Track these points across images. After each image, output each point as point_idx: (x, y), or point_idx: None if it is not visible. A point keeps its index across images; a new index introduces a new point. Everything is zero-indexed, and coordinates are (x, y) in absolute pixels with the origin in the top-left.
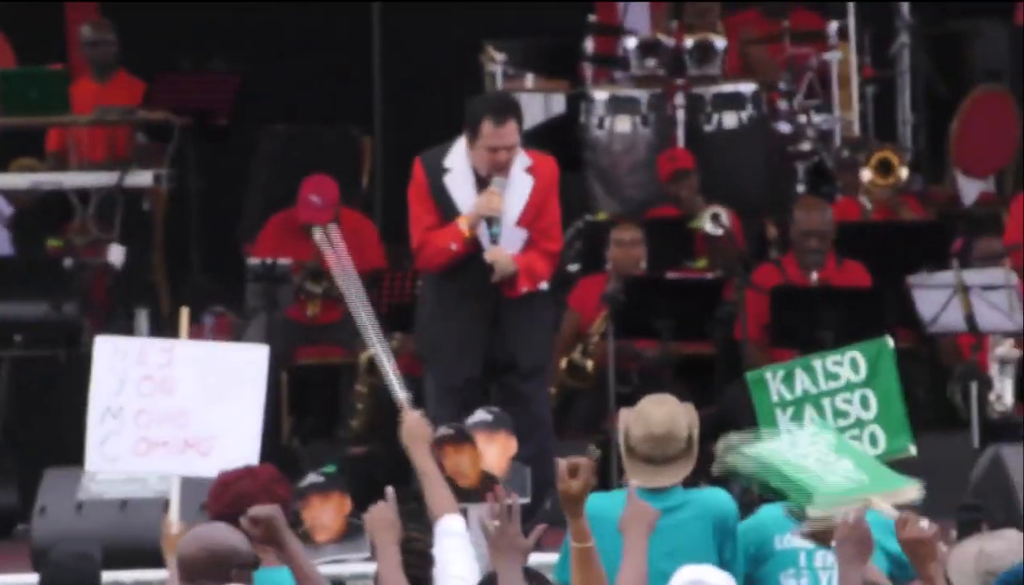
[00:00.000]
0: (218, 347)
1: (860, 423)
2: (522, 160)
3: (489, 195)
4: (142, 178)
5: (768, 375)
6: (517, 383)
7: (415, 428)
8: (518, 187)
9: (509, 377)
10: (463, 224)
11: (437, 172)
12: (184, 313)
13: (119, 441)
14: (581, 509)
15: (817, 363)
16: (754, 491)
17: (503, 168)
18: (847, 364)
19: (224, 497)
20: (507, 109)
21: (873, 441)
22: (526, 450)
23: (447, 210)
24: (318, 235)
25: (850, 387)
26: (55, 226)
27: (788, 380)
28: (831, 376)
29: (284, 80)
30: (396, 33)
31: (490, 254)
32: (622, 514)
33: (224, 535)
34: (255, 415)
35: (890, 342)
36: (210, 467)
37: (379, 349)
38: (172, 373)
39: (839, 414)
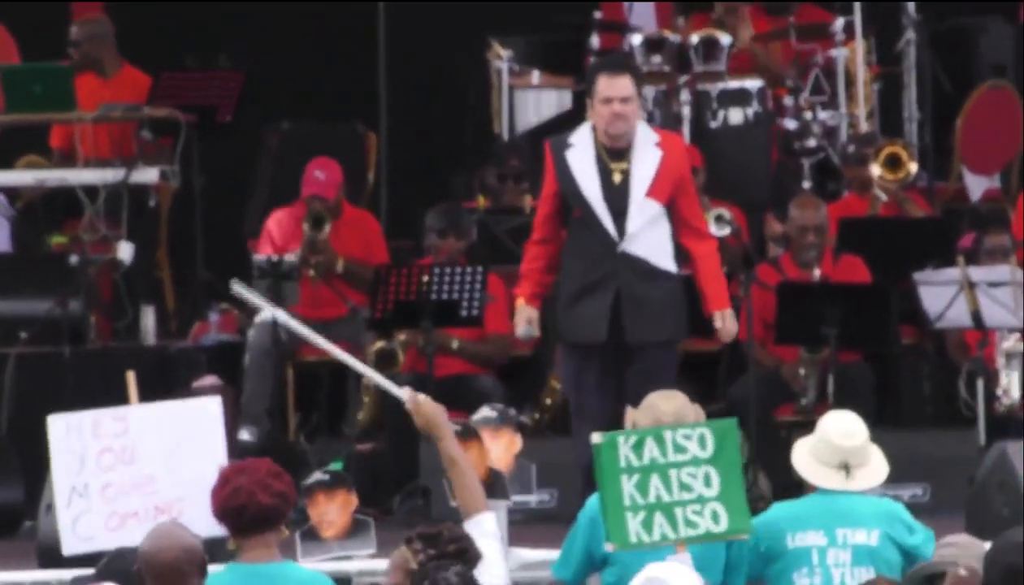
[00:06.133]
0: (170, 406)
1: (702, 499)
2: (650, 135)
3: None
4: (148, 175)
5: (620, 439)
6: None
7: (433, 413)
8: (647, 160)
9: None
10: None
11: (561, 147)
12: (131, 377)
13: (91, 519)
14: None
15: (668, 434)
16: (763, 488)
17: (623, 121)
18: (696, 439)
19: (222, 492)
20: (622, 64)
21: (715, 518)
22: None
23: (566, 181)
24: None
25: (696, 462)
26: (59, 223)
27: (638, 447)
28: (679, 448)
29: (289, 77)
30: (402, 29)
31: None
32: None
33: (189, 534)
34: (218, 467)
35: (735, 424)
36: None
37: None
38: (129, 441)
39: (684, 487)
